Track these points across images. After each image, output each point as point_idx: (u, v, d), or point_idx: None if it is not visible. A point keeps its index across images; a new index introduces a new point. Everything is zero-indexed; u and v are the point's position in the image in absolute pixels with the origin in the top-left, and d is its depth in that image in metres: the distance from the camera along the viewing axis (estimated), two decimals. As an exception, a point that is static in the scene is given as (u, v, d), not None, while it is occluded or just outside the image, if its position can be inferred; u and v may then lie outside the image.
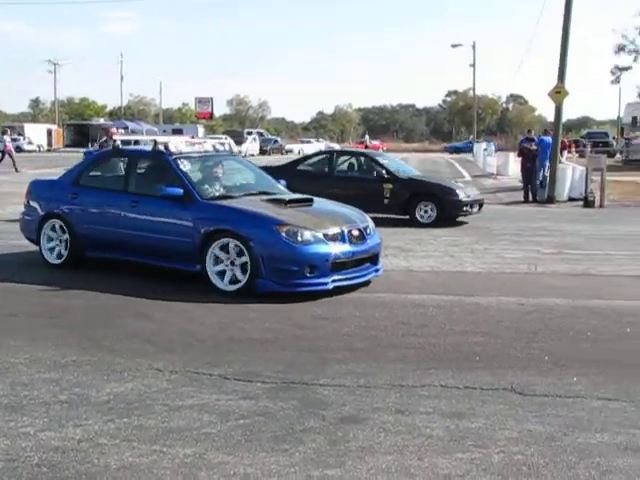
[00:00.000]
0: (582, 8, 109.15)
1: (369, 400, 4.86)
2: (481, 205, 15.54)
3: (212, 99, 76.94)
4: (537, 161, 20.57)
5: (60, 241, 9.42)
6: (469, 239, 12.70)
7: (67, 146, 64.84)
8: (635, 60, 67.36)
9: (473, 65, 60.30)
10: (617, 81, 69.31)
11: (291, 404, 4.77)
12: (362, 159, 16.25)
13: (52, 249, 9.46)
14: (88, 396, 4.88)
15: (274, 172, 15.86)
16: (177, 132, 54.12)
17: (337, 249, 8.01)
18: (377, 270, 8.67)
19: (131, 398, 4.86)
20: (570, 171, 20.95)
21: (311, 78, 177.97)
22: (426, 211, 14.72)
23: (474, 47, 59.15)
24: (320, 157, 17.09)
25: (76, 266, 9.24)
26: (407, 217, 14.80)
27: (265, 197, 8.88)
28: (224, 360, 5.70)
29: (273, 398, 4.88)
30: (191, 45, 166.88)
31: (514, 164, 27.40)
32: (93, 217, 9.20)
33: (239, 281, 7.91)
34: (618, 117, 58.91)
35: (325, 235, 8.00)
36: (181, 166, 8.84)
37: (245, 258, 7.83)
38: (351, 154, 17.69)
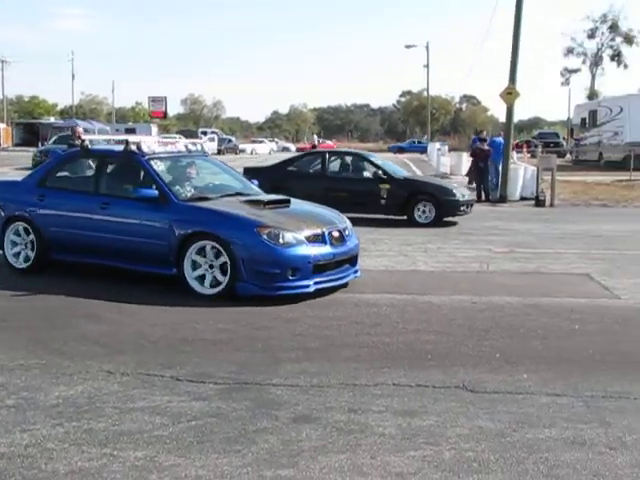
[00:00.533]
0: (533, 11, 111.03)
1: (322, 399, 4.86)
2: (471, 205, 15.78)
3: (166, 98, 76.22)
4: (489, 161, 20.86)
5: (26, 245, 9.07)
6: (422, 238, 12.80)
7: (16, 145, 63.51)
8: (584, 62, 69.05)
9: (427, 66, 60.86)
10: (567, 83, 71.01)
11: (244, 405, 4.75)
12: (356, 159, 16.22)
13: (17, 253, 9.10)
14: (36, 400, 4.79)
15: (264, 172, 16.00)
16: (130, 131, 53.35)
17: (318, 251, 7.90)
18: (356, 271, 8.60)
19: (81, 401, 4.78)
20: (522, 171, 21.27)
21: (266, 78, 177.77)
22: (424, 211, 14.84)
23: (427, 48, 59.70)
24: (312, 157, 16.87)
25: (42, 270, 8.94)
26: (404, 217, 14.92)
27: (242, 198, 8.71)
28: (176, 361, 5.64)
29: (226, 399, 4.86)
30: (144, 44, 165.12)
31: (467, 164, 27.71)
32: (62, 220, 8.85)
33: (218, 284, 7.73)
34: (568, 118, 59.99)
35: (306, 237, 7.89)
36: (155, 167, 8.61)
37: (225, 261, 7.67)
38: (344, 154, 17.49)
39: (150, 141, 9.54)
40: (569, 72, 70.29)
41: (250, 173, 15.60)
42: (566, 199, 20.59)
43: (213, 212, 8.10)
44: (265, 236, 7.66)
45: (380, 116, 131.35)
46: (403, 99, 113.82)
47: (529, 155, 28.62)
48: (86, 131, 45.83)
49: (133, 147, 8.82)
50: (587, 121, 41.95)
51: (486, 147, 21.08)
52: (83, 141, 9.82)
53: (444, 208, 14.84)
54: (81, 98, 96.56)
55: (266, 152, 63.38)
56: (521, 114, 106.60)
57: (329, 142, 76.75)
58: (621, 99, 37.79)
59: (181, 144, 10.08)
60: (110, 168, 9.27)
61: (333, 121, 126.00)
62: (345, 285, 8.31)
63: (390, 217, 15.10)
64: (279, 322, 6.90)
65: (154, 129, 60.67)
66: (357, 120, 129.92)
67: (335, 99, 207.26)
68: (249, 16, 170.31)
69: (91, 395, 4.90)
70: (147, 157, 8.70)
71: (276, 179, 14.67)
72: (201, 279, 7.85)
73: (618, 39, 66.91)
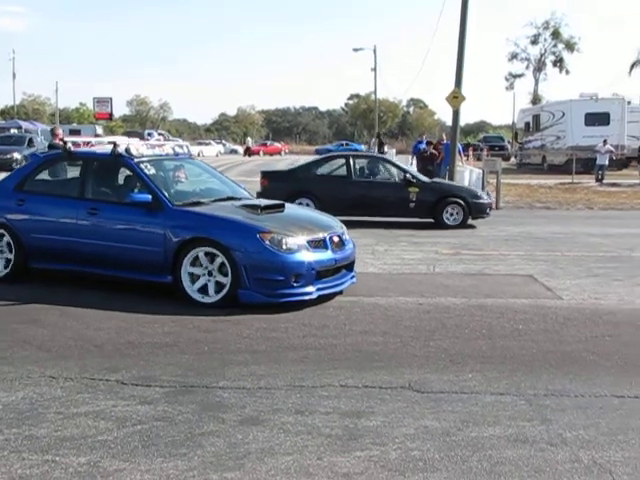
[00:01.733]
0: (479, 17, 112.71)
1: (269, 402, 4.86)
2: (492, 207, 16.29)
3: (111, 99, 75.07)
4: (437, 164, 21.14)
5: (2, 252, 8.66)
6: (370, 240, 12.87)
7: (-44, 146, 61.81)
8: (527, 68, 70.46)
9: (374, 69, 61.23)
10: (511, 87, 72.32)
11: (190, 408, 4.71)
12: (381, 163, 16.33)
13: None
14: (-25, 406, 4.68)
15: (286, 176, 16.00)
16: (75, 132, 52.48)
17: (321, 256, 7.73)
18: (353, 277, 8.44)
19: (22, 407, 4.68)
20: (468, 174, 21.59)
21: (213, 79, 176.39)
22: (452, 214, 15.13)
23: (375, 51, 60.05)
24: (336, 160, 16.62)
25: (19, 278, 8.56)
26: (432, 220, 15.17)
27: (236, 203, 8.41)
28: (122, 365, 5.57)
29: (172, 402, 4.81)
30: (88, 44, 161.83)
31: (414, 167, 28.00)
32: (44, 226, 8.42)
33: (218, 292, 7.50)
34: (513, 122, 61.08)
35: (308, 242, 7.71)
36: (146, 170, 8.29)
37: (225, 268, 7.46)
38: (369, 158, 17.50)
39: (138, 143, 9.24)
40: (513, 77, 71.62)
41: (270, 177, 15.72)
42: (511, 202, 21.00)
43: (211, 217, 7.84)
44: (268, 242, 7.44)
45: (328, 119, 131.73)
46: (351, 102, 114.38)
47: (475, 158, 29.09)
48: (28, 132, 44.90)
49: (120, 149, 8.48)
50: (531, 125, 42.81)
51: (433, 150, 21.38)
52: (66, 143, 9.34)
53: (473, 210, 15.24)
54: (23, 98, 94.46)
55: (213, 154, 62.98)
56: (468, 118, 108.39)
57: (277, 144, 76.68)
58: (563, 104, 38.64)
59: (168, 147, 9.75)
60: (96, 172, 8.81)
61: (281, 123, 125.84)
62: (341, 292, 8.16)
63: (419, 220, 15.28)
64: (226, 325, 6.86)
65: (99, 130, 59.80)
66: (305, 123, 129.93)
67: (283, 101, 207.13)
68: (197, 18, 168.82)
69: (33, 401, 4.80)
70: (136, 160, 8.39)
71: (299, 183, 14.94)
72: (199, 287, 7.59)
73: (560, 45, 68.46)
